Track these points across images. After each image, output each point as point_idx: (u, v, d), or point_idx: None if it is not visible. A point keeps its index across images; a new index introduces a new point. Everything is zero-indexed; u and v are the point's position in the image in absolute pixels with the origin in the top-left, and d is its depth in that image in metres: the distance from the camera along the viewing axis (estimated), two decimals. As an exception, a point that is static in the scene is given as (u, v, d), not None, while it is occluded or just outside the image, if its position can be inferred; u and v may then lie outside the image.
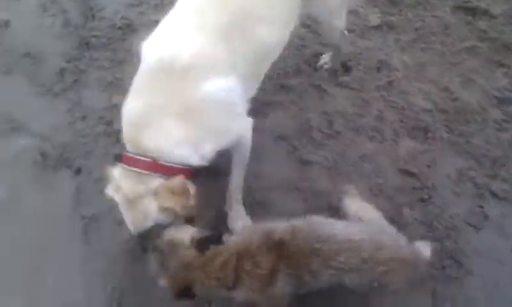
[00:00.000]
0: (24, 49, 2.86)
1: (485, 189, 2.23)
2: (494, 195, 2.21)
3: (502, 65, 2.67)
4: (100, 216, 2.21)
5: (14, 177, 2.38)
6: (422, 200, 2.22)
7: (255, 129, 1.98)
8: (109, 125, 2.51)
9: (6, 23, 3.01)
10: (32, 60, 2.82)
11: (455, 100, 2.50)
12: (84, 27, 2.96)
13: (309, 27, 2.87)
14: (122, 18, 3.01)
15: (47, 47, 2.86)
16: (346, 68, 2.70)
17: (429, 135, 2.39)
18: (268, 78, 2.32)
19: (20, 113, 2.60)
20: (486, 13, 2.87)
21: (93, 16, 3.02)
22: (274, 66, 2.15)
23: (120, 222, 1.85)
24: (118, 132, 2.04)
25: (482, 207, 2.19)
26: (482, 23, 2.83)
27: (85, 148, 2.45)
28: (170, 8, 1.93)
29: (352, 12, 2.83)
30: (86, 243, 2.16)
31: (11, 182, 2.35)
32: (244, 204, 2.15)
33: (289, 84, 2.62)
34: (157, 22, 1.94)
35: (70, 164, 2.39)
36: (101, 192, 1.84)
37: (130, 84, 1.84)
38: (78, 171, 2.37)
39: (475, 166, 2.30)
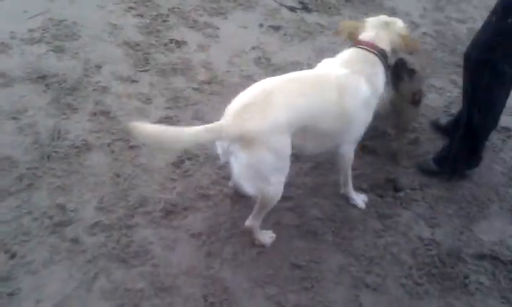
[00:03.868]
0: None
1: (360, 281, 2.62)
2: (368, 286, 2.60)
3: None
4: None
5: None
6: (306, 288, 2.53)
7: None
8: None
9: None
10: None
11: (343, 212, 2.95)
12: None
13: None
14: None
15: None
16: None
17: (318, 237, 2.78)
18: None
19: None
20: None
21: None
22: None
23: None
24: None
25: (357, 296, 2.56)
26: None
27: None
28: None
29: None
30: None
31: None
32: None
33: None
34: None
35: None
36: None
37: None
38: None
39: (354, 263, 2.70)
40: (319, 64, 2.73)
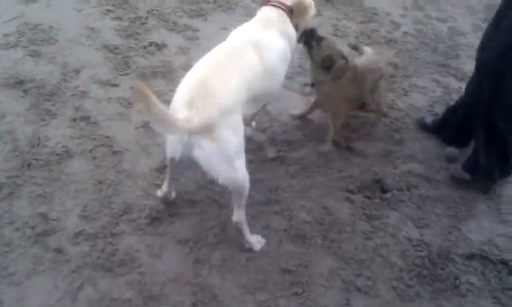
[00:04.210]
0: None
1: (351, 285, 2.64)
2: (359, 290, 2.62)
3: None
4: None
5: None
6: (297, 293, 2.55)
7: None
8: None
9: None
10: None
11: (331, 214, 2.97)
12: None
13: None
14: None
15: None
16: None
17: (307, 241, 2.80)
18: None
19: None
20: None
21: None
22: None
23: None
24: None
25: (348, 300, 2.57)
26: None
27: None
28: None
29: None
30: None
31: None
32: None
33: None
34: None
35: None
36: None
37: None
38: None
39: (344, 266, 2.72)
40: (231, 34, 2.80)
